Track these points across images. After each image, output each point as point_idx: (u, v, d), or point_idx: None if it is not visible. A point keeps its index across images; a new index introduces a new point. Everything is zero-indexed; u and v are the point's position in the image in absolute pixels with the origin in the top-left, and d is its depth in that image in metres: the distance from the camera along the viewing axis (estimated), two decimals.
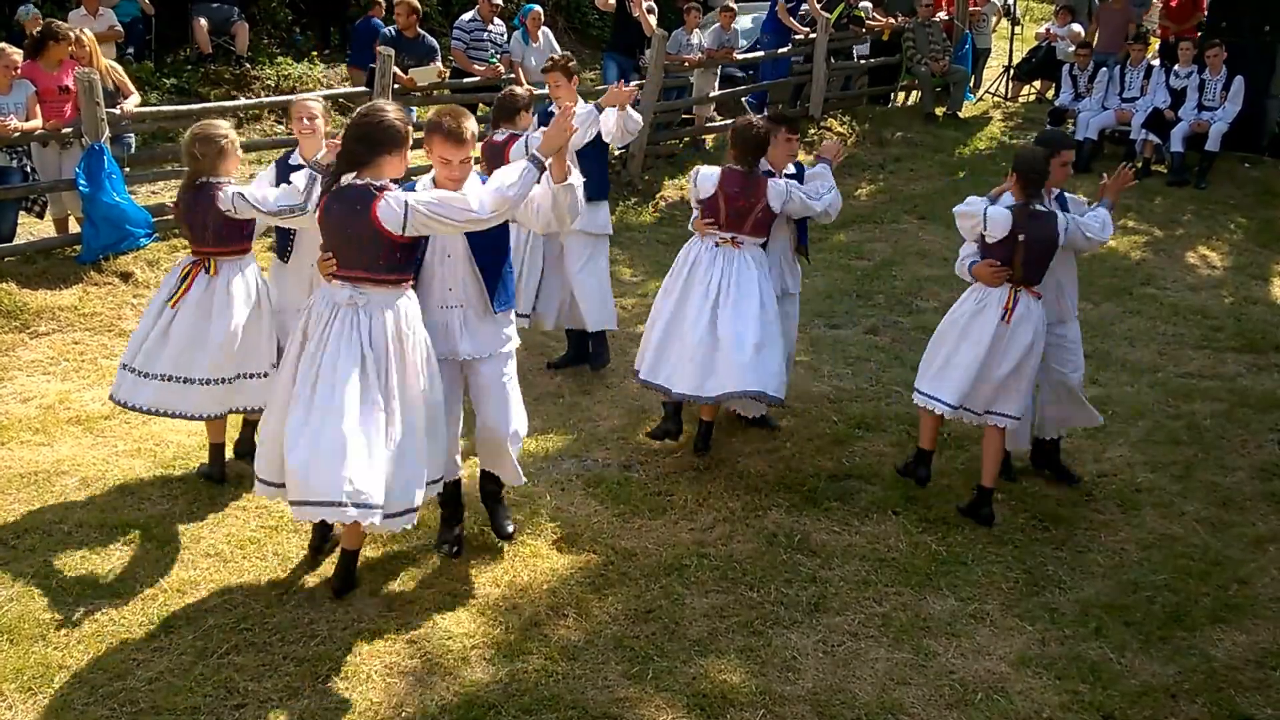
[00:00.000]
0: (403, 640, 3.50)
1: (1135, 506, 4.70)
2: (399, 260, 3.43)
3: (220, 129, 4.28)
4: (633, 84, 5.99)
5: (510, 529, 4.10)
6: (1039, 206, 4.34)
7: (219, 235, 4.25)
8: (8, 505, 4.28)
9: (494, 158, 5.17)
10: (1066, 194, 4.64)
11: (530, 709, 3.21)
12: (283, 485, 3.44)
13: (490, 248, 3.69)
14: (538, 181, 3.45)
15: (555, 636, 3.58)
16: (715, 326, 4.56)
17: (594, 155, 5.55)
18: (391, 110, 3.50)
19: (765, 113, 10.96)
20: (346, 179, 3.43)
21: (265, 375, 4.31)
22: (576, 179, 3.57)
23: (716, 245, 4.67)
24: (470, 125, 3.49)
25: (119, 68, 7.20)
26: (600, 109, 5.37)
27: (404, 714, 3.17)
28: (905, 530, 4.38)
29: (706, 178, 4.70)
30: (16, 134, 6.41)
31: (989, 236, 4.33)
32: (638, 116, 5.57)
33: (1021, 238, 4.28)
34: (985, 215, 4.32)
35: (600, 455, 4.93)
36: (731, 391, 4.53)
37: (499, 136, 5.34)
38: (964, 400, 4.39)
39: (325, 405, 3.28)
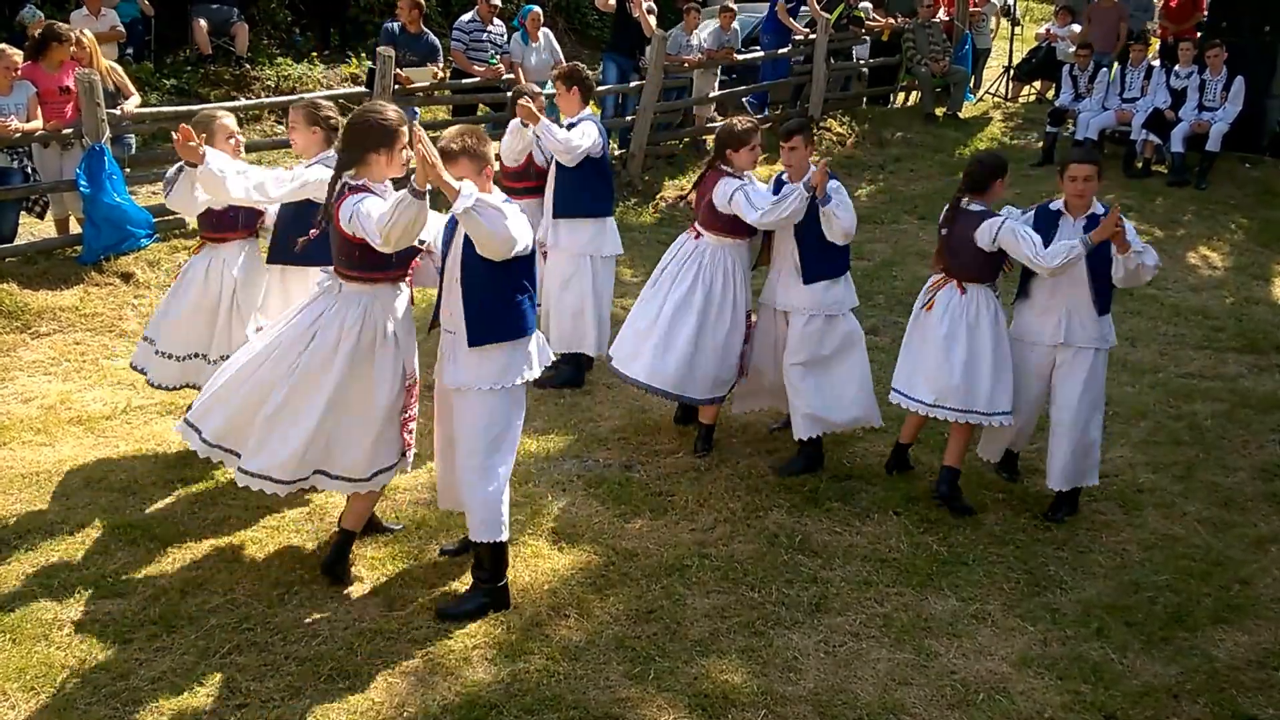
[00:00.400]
0: (404, 640, 3.50)
1: (1137, 507, 4.70)
2: (357, 259, 3.49)
3: (217, 114, 4.45)
4: (540, 96, 5.54)
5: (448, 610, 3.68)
6: (971, 207, 4.47)
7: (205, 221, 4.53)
8: (10, 505, 4.29)
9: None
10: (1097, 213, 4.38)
11: (532, 709, 3.21)
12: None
13: (480, 278, 3.44)
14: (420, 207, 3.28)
15: (557, 637, 3.58)
16: (661, 315, 4.80)
17: (573, 172, 5.39)
18: (381, 110, 3.52)
19: (765, 113, 11.11)
20: (345, 176, 3.52)
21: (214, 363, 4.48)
22: (469, 202, 3.22)
23: (695, 237, 4.95)
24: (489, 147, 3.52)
25: (119, 69, 7.21)
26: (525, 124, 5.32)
27: (406, 714, 3.17)
28: (906, 531, 4.39)
29: None
30: (17, 134, 6.42)
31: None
32: (562, 135, 5.28)
33: (943, 232, 4.54)
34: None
35: (601, 456, 4.93)
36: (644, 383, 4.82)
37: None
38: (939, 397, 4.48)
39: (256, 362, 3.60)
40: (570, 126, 5.47)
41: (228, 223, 4.53)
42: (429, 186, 3.21)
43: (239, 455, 3.60)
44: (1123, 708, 3.39)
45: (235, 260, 4.56)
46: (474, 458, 3.53)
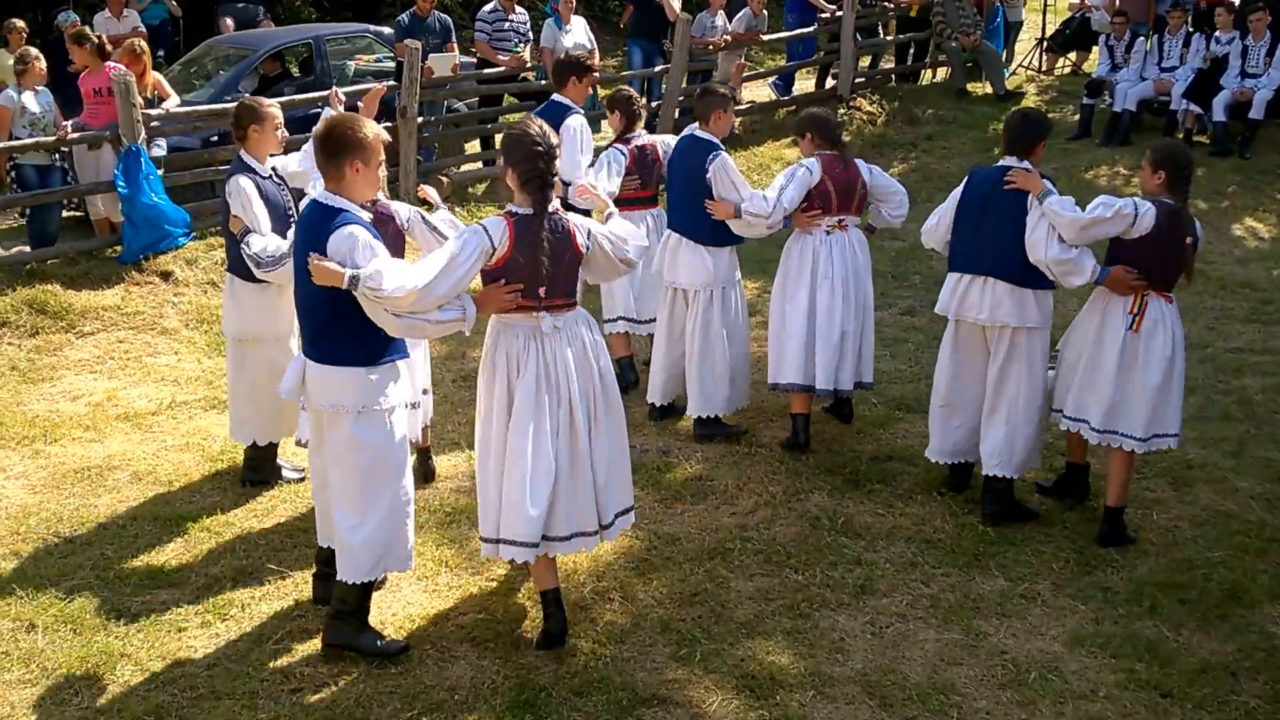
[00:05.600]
0: (453, 625, 3.54)
1: (1188, 484, 4.61)
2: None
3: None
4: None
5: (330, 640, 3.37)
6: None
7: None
8: (64, 500, 4.38)
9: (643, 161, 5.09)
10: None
11: (581, 691, 3.22)
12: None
13: (302, 290, 3.23)
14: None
15: (602, 620, 3.59)
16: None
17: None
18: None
19: (792, 94, 11.01)
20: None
21: None
22: (354, 285, 3.01)
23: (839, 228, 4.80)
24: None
25: (161, 78, 7.30)
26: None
27: (456, 697, 3.20)
28: (951, 511, 4.34)
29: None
30: (68, 136, 6.56)
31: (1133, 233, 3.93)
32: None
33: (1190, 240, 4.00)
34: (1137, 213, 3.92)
35: (639, 442, 4.93)
36: None
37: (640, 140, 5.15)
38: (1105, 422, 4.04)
39: None
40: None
41: None
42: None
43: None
44: (1179, 686, 3.34)
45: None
46: (349, 495, 3.25)
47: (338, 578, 3.25)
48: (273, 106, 4.28)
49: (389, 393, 3.20)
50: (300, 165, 4.26)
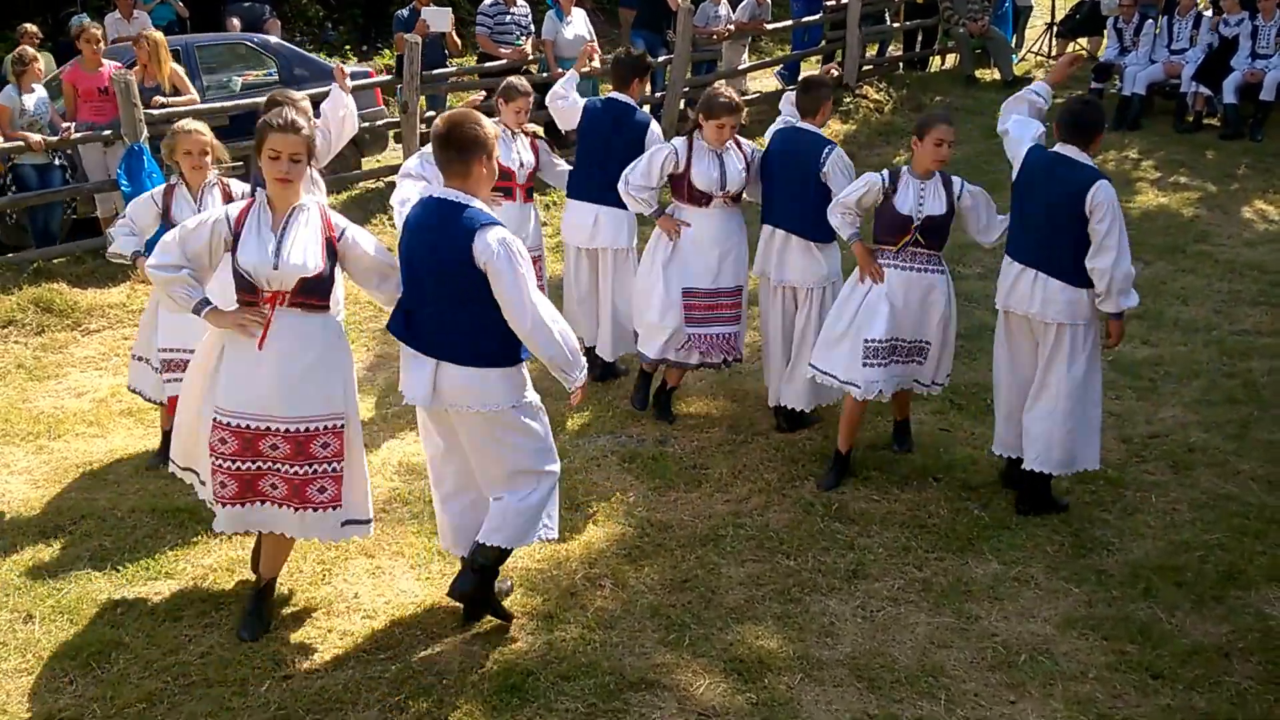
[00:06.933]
0: (444, 612, 3.56)
1: (1188, 467, 4.56)
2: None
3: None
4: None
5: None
6: None
7: None
8: (65, 494, 4.44)
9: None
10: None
11: (568, 675, 3.24)
12: None
13: (451, 295, 3.28)
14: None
15: (592, 606, 3.60)
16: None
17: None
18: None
19: (797, 83, 10.92)
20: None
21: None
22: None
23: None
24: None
25: (180, 71, 7.34)
26: None
27: (445, 681, 3.22)
28: (945, 496, 4.31)
29: None
30: (71, 137, 6.65)
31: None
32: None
33: None
34: None
35: (635, 431, 4.94)
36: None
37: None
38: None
39: None
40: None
41: None
42: None
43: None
44: (1170, 667, 3.31)
45: None
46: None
47: (494, 542, 3.30)
48: (305, 100, 4.27)
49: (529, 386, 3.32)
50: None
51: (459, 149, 3.13)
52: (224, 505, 3.27)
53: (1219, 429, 4.88)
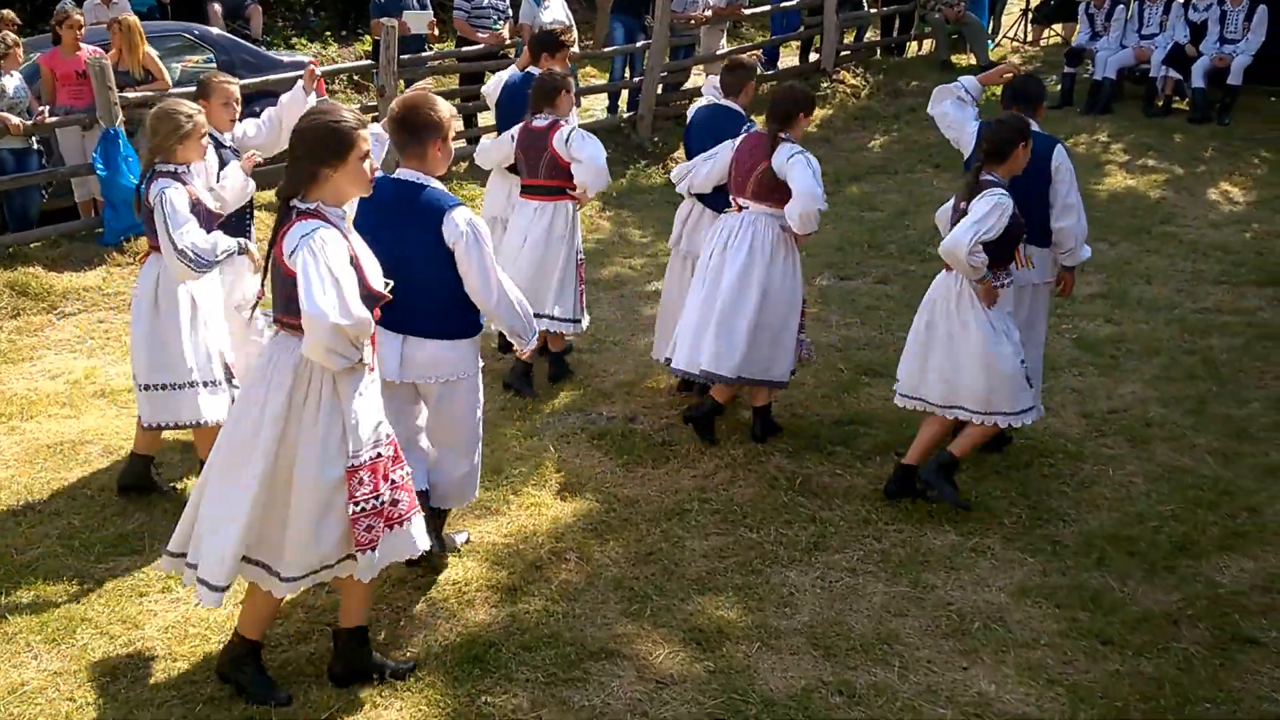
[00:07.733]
0: (408, 587, 3.60)
1: (1145, 441, 4.65)
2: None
3: (184, 108, 3.83)
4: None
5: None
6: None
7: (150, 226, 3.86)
8: (35, 474, 4.46)
9: (533, 145, 4.88)
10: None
11: (530, 646, 3.29)
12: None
13: (421, 271, 3.35)
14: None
15: (556, 580, 3.66)
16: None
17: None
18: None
19: (775, 69, 10.98)
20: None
21: (181, 388, 3.93)
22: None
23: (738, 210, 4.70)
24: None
25: (154, 54, 7.30)
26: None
27: (408, 654, 3.27)
28: None
29: None
30: (45, 120, 6.62)
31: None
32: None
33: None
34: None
35: (605, 409, 4.99)
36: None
37: (540, 122, 4.88)
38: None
39: None
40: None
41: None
42: None
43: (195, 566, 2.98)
44: (1120, 634, 3.39)
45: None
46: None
47: (450, 506, 3.66)
48: (231, 84, 4.39)
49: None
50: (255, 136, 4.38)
51: (413, 131, 3.21)
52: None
53: (1177, 404, 4.98)
